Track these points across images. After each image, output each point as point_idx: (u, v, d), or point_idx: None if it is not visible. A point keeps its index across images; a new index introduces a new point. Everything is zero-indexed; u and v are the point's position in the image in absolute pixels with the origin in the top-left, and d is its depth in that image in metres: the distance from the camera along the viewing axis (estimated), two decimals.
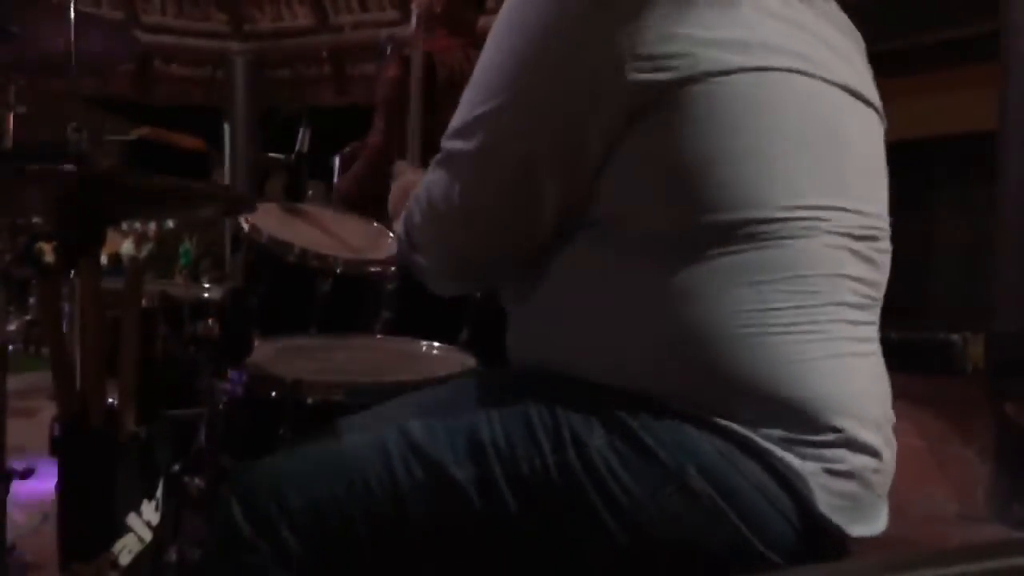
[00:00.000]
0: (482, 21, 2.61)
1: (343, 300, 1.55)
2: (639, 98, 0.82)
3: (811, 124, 0.87)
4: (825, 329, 0.84)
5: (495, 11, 0.93)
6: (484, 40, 0.91)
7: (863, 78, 0.96)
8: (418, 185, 0.99)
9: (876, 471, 0.87)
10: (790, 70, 0.86)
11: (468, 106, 0.90)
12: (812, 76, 0.87)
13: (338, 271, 1.55)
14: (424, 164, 1.58)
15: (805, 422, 0.82)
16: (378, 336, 1.53)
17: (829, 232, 0.85)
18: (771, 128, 0.84)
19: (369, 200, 2.00)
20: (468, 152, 0.90)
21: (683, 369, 0.83)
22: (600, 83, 0.83)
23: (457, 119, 0.91)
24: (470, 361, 1.37)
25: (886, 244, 0.93)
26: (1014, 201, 3.21)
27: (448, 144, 0.92)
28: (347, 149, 2.26)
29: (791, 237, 0.83)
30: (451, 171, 0.92)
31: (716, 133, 0.82)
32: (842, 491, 0.83)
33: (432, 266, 0.99)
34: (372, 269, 1.59)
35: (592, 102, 0.84)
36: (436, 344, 1.47)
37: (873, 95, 0.96)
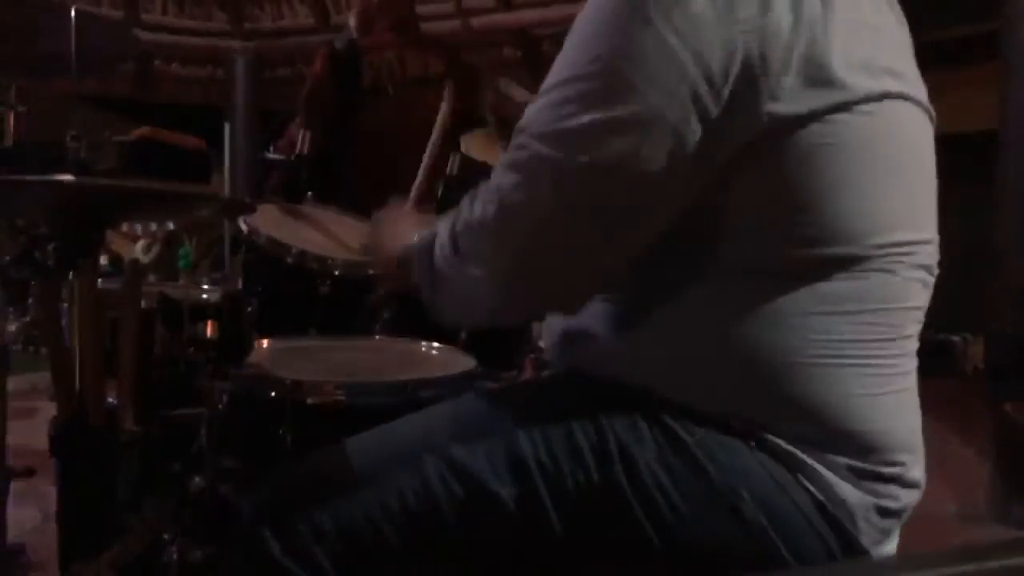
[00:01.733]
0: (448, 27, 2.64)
1: (342, 301, 1.55)
2: (760, 126, 0.78)
3: (905, 152, 0.86)
4: (892, 364, 0.84)
5: None
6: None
7: (920, 81, 0.91)
8: (424, 224, 0.92)
9: (913, 505, 0.87)
10: (899, 96, 0.83)
11: (560, 113, 0.81)
12: (908, 99, 0.85)
13: (337, 272, 1.54)
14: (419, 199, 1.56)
15: (869, 454, 0.82)
16: (378, 337, 1.53)
17: (910, 266, 0.85)
18: (876, 160, 0.82)
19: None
20: (551, 158, 0.81)
21: (750, 388, 0.82)
22: (719, 110, 0.77)
23: (543, 121, 0.83)
24: (470, 362, 1.36)
25: (937, 268, 0.92)
26: (1014, 201, 3.21)
27: (529, 144, 0.84)
28: (271, 147, 2.26)
29: (876, 271, 0.82)
30: (531, 175, 0.83)
31: (828, 168, 0.79)
32: (885, 528, 0.84)
33: (484, 273, 0.87)
34: (371, 270, 1.58)
35: (707, 129, 0.78)
36: (436, 344, 1.47)
37: (926, 97, 0.91)
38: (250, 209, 1.53)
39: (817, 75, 0.77)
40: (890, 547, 0.88)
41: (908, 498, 0.85)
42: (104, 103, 5.92)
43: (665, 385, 0.83)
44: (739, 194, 0.80)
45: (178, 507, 1.30)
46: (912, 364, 0.88)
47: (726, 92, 0.76)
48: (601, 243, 0.83)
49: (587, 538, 0.82)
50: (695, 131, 0.77)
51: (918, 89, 0.89)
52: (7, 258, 1.82)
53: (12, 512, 1.52)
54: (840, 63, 0.78)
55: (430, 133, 2.35)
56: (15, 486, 1.55)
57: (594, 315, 0.89)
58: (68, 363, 1.04)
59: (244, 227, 1.59)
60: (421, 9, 2.74)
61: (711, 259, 0.82)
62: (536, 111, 0.84)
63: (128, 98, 6.59)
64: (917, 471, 0.87)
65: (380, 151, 2.37)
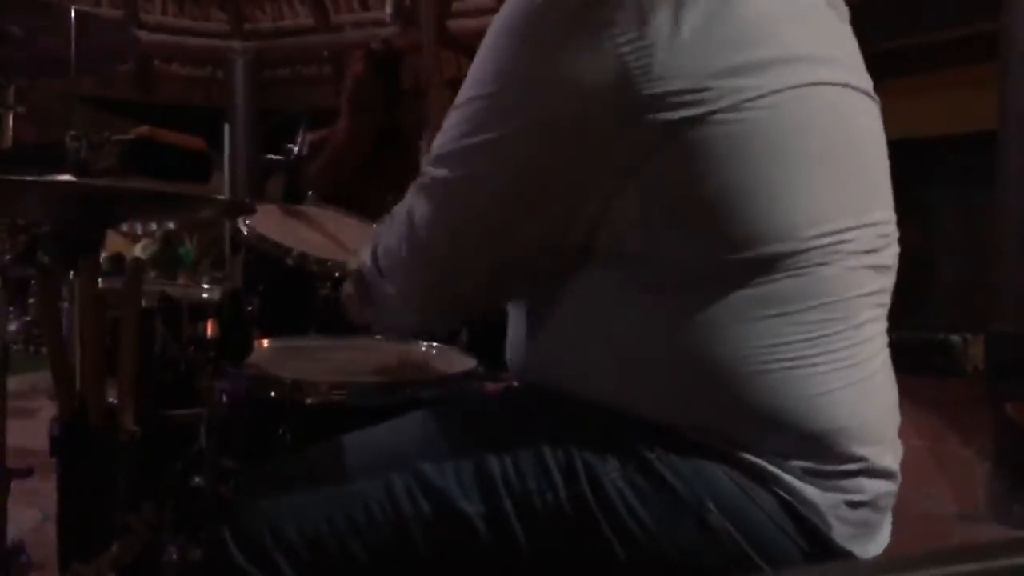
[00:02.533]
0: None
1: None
2: (651, 136, 0.78)
3: (833, 138, 0.84)
4: (846, 356, 0.83)
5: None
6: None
7: (859, 64, 0.91)
8: (392, 212, 0.95)
9: (890, 494, 0.87)
10: (811, 84, 0.82)
11: (456, 133, 0.85)
12: (829, 84, 0.84)
13: (337, 274, 1.54)
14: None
15: (828, 454, 0.82)
16: (377, 337, 1.53)
17: (850, 253, 0.83)
18: (795, 152, 0.81)
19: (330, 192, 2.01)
20: (455, 181, 0.86)
21: (703, 402, 0.82)
22: (605, 122, 0.79)
23: (444, 145, 0.87)
24: (470, 362, 1.36)
25: (896, 246, 0.91)
26: (1014, 201, 3.21)
27: (433, 171, 0.88)
28: (314, 137, 2.27)
29: (813, 265, 0.81)
30: (435, 199, 0.88)
31: (738, 167, 0.79)
32: (858, 520, 0.83)
33: (400, 294, 0.93)
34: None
35: (601, 138, 0.80)
36: (436, 344, 1.47)
37: (868, 81, 0.91)
38: (250, 210, 1.53)
39: (704, 77, 0.77)
40: (875, 539, 0.87)
41: (879, 488, 0.85)
42: (104, 103, 5.92)
43: (622, 402, 0.84)
44: (653, 204, 0.80)
45: (178, 507, 1.30)
46: (875, 349, 0.87)
47: (611, 104, 0.78)
48: (504, 259, 0.87)
49: (555, 556, 0.83)
50: (584, 143, 0.79)
51: (850, 72, 0.88)
52: (7, 258, 1.82)
53: (12, 512, 1.53)
54: (731, 62, 0.78)
55: None
56: (15, 486, 1.55)
57: (549, 334, 0.91)
58: (68, 363, 1.04)
59: (244, 228, 1.59)
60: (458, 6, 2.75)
61: (647, 274, 0.82)
62: (442, 133, 0.88)
63: (128, 98, 6.59)
64: (887, 459, 0.86)
65: (395, 156, 2.38)
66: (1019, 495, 2.80)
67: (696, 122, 0.77)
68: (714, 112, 0.77)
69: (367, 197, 1.94)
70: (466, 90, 0.86)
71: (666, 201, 0.81)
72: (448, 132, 0.87)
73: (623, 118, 0.78)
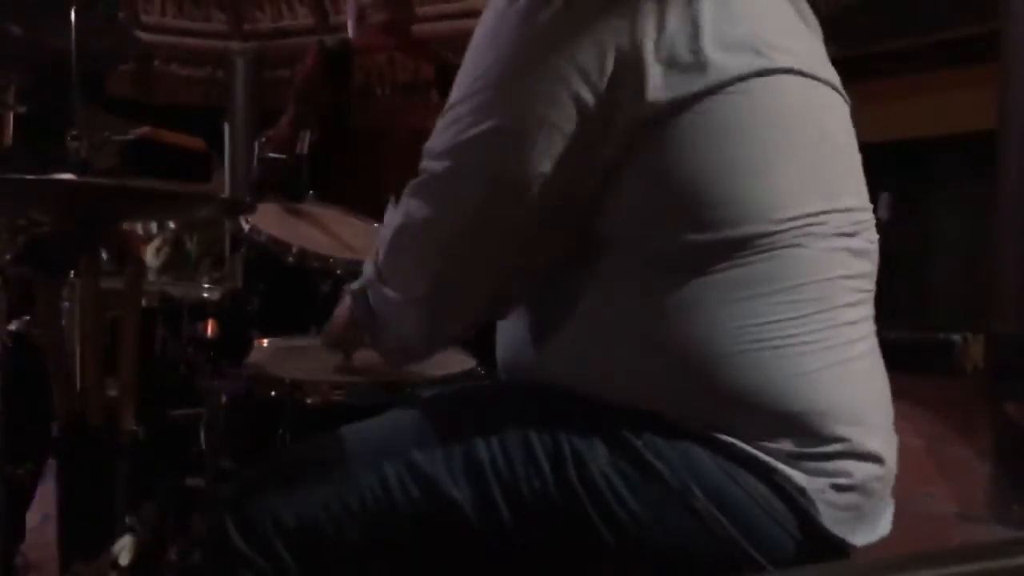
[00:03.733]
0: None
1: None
2: (639, 123, 0.80)
3: (803, 126, 0.86)
4: (824, 338, 0.83)
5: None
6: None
7: (824, 57, 0.93)
8: (389, 214, 0.96)
9: (879, 478, 0.87)
10: (787, 70, 0.84)
11: (456, 129, 0.86)
12: (802, 74, 0.86)
13: (338, 272, 1.54)
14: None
15: (810, 435, 0.82)
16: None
17: (824, 236, 0.84)
18: (768, 137, 0.83)
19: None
20: (449, 174, 0.87)
21: (684, 387, 0.82)
22: (600, 106, 0.81)
23: (444, 142, 0.88)
24: (470, 362, 1.36)
25: (873, 233, 0.92)
26: (1014, 201, 3.21)
27: (429, 166, 0.89)
28: (263, 138, 2.29)
29: (787, 247, 0.82)
30: (436, 193, 0.89)
31: (715, 148, 0.81)
32: (847, 504, 0.83)
33: (402, 296, 0.93)
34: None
35: (591, 127, 0.81)
36: None
37: (835, 76, 0.93)
38: (250, 209, 1.53)
39: (689, 61, 0.79)
40: (868, 526, 0.87)
41: (866, 471, 0.85)
42: (104, 103, 5.91)
43: (605, 389, 0.85)
44: (632, 187, 0.82)
45: (178, 507, 1.30)
46: (857, 333, 0.88)
47: (603, 88, 0.80)
48: (505, 253, 0.88)
49: (544, 542, 0.84)
50: (580, 131, 0.81)
51: (814, 62, 0.89)
52: (7, 258, 1.81)
53: None
54: (713, 46, 0.80)
55: (420, 139, 2.39)
56: None
57: (531, 324, 0.92)
58: (68, 363, 1.04)
59: (245, 226, 1.59)
60: (426, 10, 2.76)
61: (621, 258, 0.84)
62: (436, 132, 0.89)
63: (128, 98, 6.59)
64: (873, 442, 0.86)
65: (368, 152, 2.39)
66: (1019, 495, 2.80)
67: (683, 103, 0.79)
68: (704, 92, 0.80)
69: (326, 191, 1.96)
70: (458, 89, 0.88)
71: (641, 185, 0.82)
72: (448, 128, 0.88)
73: (615, 100, 0.80)
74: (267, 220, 1.64)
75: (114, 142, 1.60)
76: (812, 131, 0.87)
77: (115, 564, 1.02)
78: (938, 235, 4.96)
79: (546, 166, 0.83)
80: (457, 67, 0.89)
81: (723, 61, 0.80)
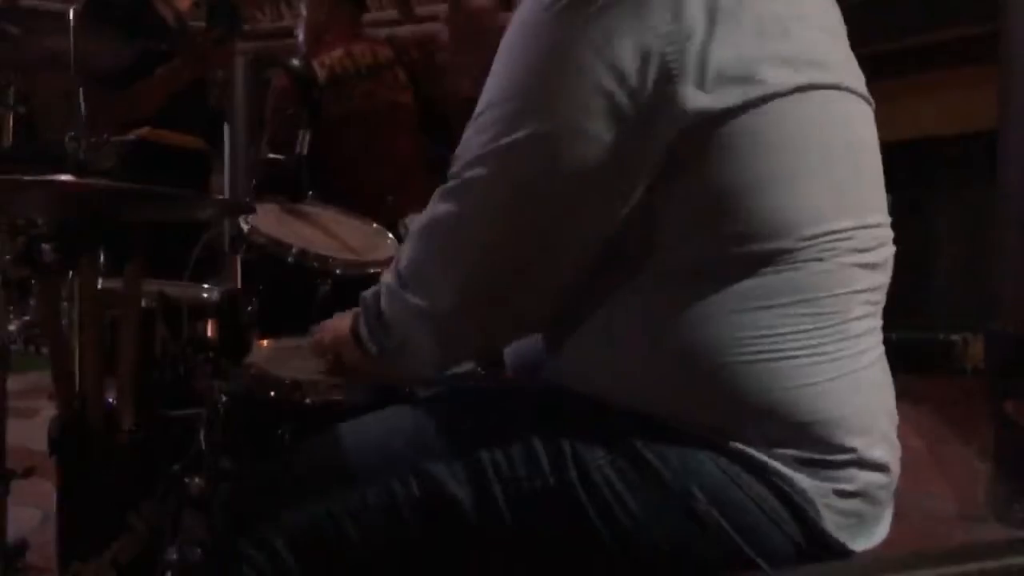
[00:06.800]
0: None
1: (342, 301, 1.55)
2: (679, 131, 0.78)
3: (835, 141, 0.85)
4: (836, 349, 0.83)
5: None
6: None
7: (855, 66, 0.92)
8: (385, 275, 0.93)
9: (883, 487, 0.87)
10: (831, 87, 0.83)
11: (491, 134, 0.83)
12: (839, 88, 0.85)
13: (337, 272, 1.54)
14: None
15: (817, 444, 0.82)
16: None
17: (844, 252, 0.83)
18: (805, 152, 0.81)
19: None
20: (482, 182, 0.84)
21: (693, 392, 0.82)
22: (638, 114, 0.78)
23: (479, 147, 0.85)
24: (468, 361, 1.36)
25: (890, 246, 0.91)
26: (1014, 201, 3.20)
27: (461, 172, 0.86)
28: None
29: (808, 261, 0.81)
30: (462, 201, 0.86)
31: (752, 162, 0.79)
32: (850, 510, 0.83)
33: (426, 303, 0.89)
34: (371, 270, 1.58)
35: (628, 136, 0.79)
36: None
37: (863, 83, 0.92)
38: (250, 210, 1.53)
39: (732, 73, 0.78)
40: (869, 532, 0.86)
41: (871, 479, 0.85)
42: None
43: (611, 392, 0.84)
44: (665, 197, 0.81)
45: (178, 507, 1.30)
46: (868, 344, 0.87)
47: (644, 97, 0.78)
48: (540, 262, 0.85)
49: (544, 542, 0.83)
50: (616, 139, 0.79)
51: (848, 76, 0.89)
52: (7, 258, 1.82)
53: (12, 512, 1.52)
54: (755, 58, 0.79)
55: (395, 115, 2.49)
56: (15, 486, 1.55)
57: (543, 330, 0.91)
58: (68, 363, 1.04)
59: (245, 226, 1.59)
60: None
61: (645, 265, 0.82)
62: (467, 138, 0.86)
63: None
64: (879, 452, 0.86)
65: (351, 136, 2.45)
66: (1019, 495, 2.79)
67: (727, 114, 0.78)
68: (745, 106, 0.78)
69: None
70: (491, 92, 0.85)
71: (676, 196, 0.81)
72: (479, 135, 0.85)
73: (655, 109, 0.78)
74: (267, 220, 1.64)
75: (113, 143, 1.61)
76: (848, 146, 0.86)
77: (115, 564, 1.02)
78: (938, 235, 4.95)
79: (580, 174, 0.80)
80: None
81: (770, 74, 0.79)
